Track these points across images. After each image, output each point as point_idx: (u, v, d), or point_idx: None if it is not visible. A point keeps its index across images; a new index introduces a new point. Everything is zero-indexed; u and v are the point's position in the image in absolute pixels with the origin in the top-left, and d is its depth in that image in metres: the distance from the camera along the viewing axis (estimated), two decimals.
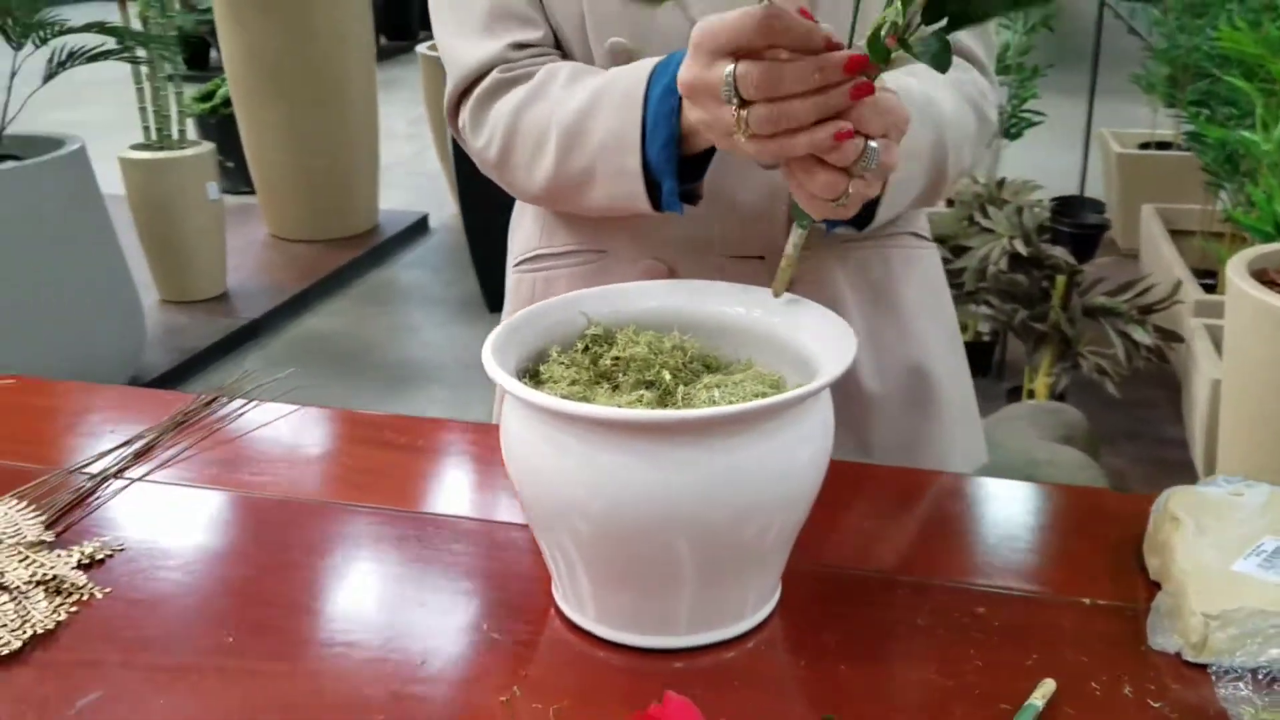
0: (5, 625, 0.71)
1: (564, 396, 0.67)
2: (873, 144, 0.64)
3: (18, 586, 0.74)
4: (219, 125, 4.93)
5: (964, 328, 3.07)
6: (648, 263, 0.90)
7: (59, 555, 0.78)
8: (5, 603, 0.72)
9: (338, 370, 3.45)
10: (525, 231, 1.01)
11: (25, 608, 0.73)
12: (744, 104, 0.63)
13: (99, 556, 0.79)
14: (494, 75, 0.88)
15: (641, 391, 0.69)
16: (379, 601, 0.74)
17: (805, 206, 0.68)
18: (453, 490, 0.89)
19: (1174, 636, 0.66)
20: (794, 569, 0.74)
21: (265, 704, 0.65)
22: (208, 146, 3.74)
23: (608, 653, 0.69)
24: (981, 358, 3.11)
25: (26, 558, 0.77)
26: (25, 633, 0.71)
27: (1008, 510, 0.84)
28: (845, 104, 0.63)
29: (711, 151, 0.80)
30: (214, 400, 1.03)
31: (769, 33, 0.62)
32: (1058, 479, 2.16)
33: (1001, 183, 2.92)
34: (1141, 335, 2.38)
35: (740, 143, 0.65)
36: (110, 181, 3.59)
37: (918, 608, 0.71)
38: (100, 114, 6.02)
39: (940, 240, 2.85)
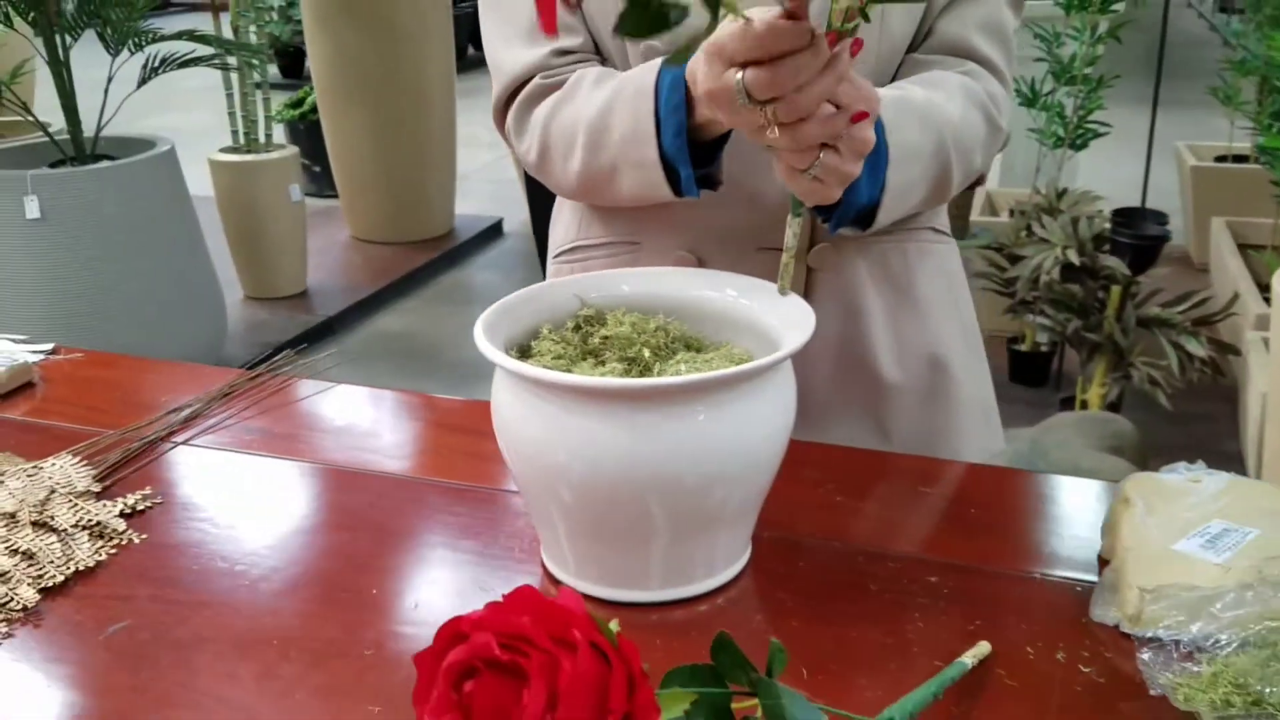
0: (52, 561, 0.79)
1: (547, 368, 0.73)
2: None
3: (65, 529, 0.82)
4: (307, 131, 5.10)
5: (1021, 338, 3.06)
6: (679, 254, 0.96)
7: (104, 505, 0.86)
8: (53, 543, 0.81)
9: (408, 366, 3.56)
10: (564, 225, 1.07)
11: (70, 547, 0.81)
12: (763, 103, 0.69)
13: (140, 508, 0.87)
14: (536, 81, 0.94)
15: (617, 365, 0.75)
16: (382, 554, 0.81)
17: (794, 188, 0.73)
18: (455, 460, 0.95)
19: (1112, 609, 0.70)
20: (767, 537, 0.79)
21: (271, 633, 0.72)
22: (291, 150, 3.89)
23: (589, 606, 0.74)
24: (1039, 368, 3.10)
25: (75, 505, 0.85)
26: (69, 569, 0.79)
27: (976, 491, 0.88)
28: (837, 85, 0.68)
29: (724, 138, 0.85)
30: (256, 375, 1.11)
31: (767, 44, 0.67)
32: None
33: (1063, 193, 2.91)
34: (1195, 347, 2.36)
35: (772, 137, 0.70)
36: (202, 183, 3.76)
37: (874, 575, 0.76)
38: (196, 119, 6.26)
39: (997, 248, 2.85)
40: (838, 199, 0.75)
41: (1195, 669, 0.62)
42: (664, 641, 0.70)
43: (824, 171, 0.71)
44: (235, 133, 3.81)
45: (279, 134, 4.65)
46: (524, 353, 0.78)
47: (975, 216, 3.37)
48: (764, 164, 0.90)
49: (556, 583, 0.77)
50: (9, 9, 2.87)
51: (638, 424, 0.68)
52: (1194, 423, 2.73)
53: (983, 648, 0.67)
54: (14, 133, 3.99)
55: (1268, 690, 0.58)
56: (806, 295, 0.95)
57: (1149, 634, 0.66)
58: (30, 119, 3.10)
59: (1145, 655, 0.64)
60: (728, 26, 0.68)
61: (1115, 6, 3.18)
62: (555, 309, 0.81)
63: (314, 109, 4.85)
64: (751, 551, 0.79)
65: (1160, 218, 2.85)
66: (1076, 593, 0.73)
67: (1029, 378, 3.11)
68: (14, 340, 1.16)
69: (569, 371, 0.74)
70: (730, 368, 0.69)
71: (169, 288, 3.08)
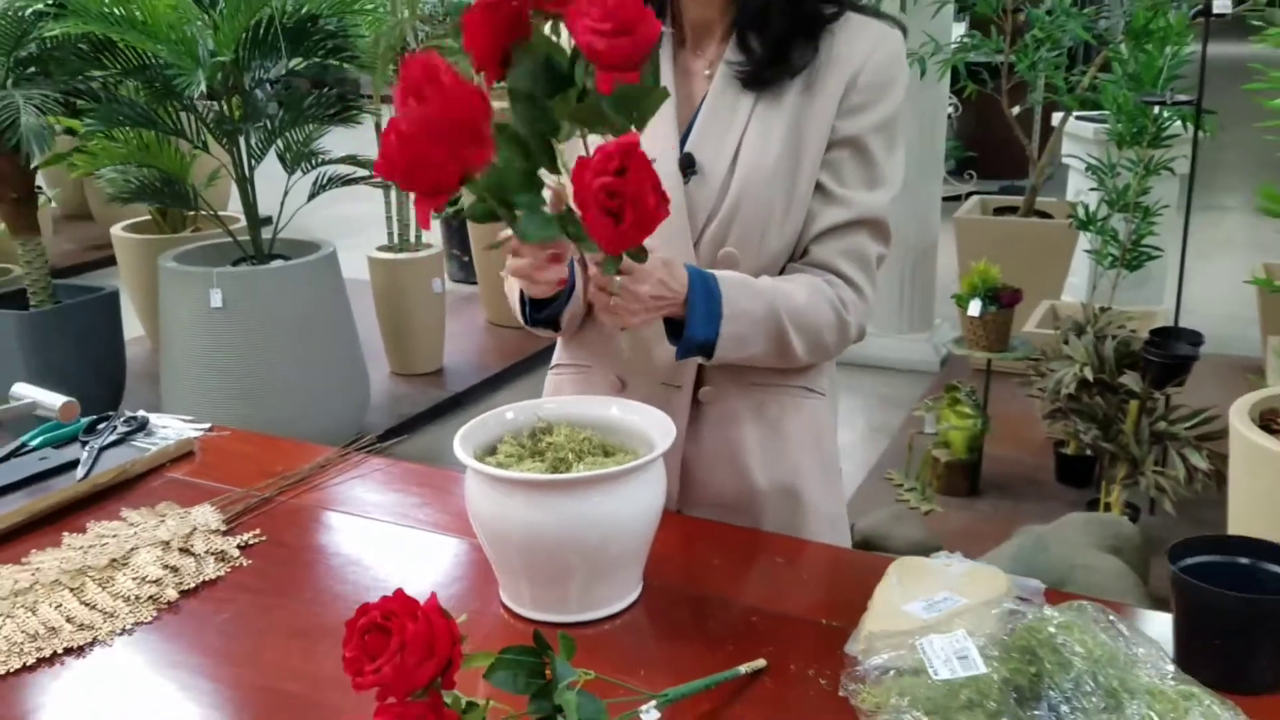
0: (189, 574, 1.19)
1: (500, 466, 1.10)
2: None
3: (199, 554, 1.22)
4: (459, 226, 5.67)
5: (1064, 442, 3.27)
6: (611, 379, 1.32)
7: (227, 539, 1.26)
8: (190, 562, 1.21)
9: None
10: (556, 350, 1.45)
11: (201, 566, 1.21)
12: None
13: (250, 543, 1.27)
14: None
15: (546, 463, 1.11)
16: (392, 584, 1.18)
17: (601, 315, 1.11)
18: (459, 520, 1.32)
19: (855, 645, 1.01)
20: (655, 584, 1.13)
21: (324, 628, 1.09)
22: (436, 250, 4.41)
23: (525, 624, 1.09)
24: (1084, 470, 3.30)
25: (208, 538, 1.25)
26: (199, 579, 1.18)
27: (808, 561, 1.20)
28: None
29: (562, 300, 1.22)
30: (348, 452, 1.51)
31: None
32: (1092, 585, 2.36)
33: (1102, 310, 3.13)
34: (1197, 460, 2.56)
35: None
36: (364, 269, 4.31)
37: (716, 614, 1.09)
38: (363, 209, 6.93)
39: (1035, 359, 3.09)
40: (633, 324, 1.11)
41: (877, 682, 0.93)
42: (580, 645, 1.04)
43: (609, 314, 1.09)
44: (390, 234, 4.36)
45: (435, 228, 5.21)
46: (491, 452, 1.14)
47: (1031, 328, 3.61)
48: (651, 351, 1.25)
49: (506, 609, 1.12)
50: (208, 136, 3.46)
51: (556, 503, 1.04)
52: (1215, 526, 2.89)
53: (759, 663, 0.99)
54: (208, 226, 4.63)
55: (905, 700, 0.88)
56: (695, 421, 1.29)
57: (871, 662, 0.97)
58: (219, 224, 3.69)
59: (859, 671, 0.95)
60: None
61: (1167, 140, 3.41)
62: (514, 424, 1.17)
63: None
64: (642, 589, 1.13)
65: (1195, 338, 3.04)
66: (845, 636, 1.05)
67: (1073, 479, 3.31)
68: (183, 420, 1.60)
69: (517, 468, 1.11)
70: (615, 466, 1.04)
71: (323, 367, 3.58)
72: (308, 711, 0.99)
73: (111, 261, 5.99)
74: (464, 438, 1.11)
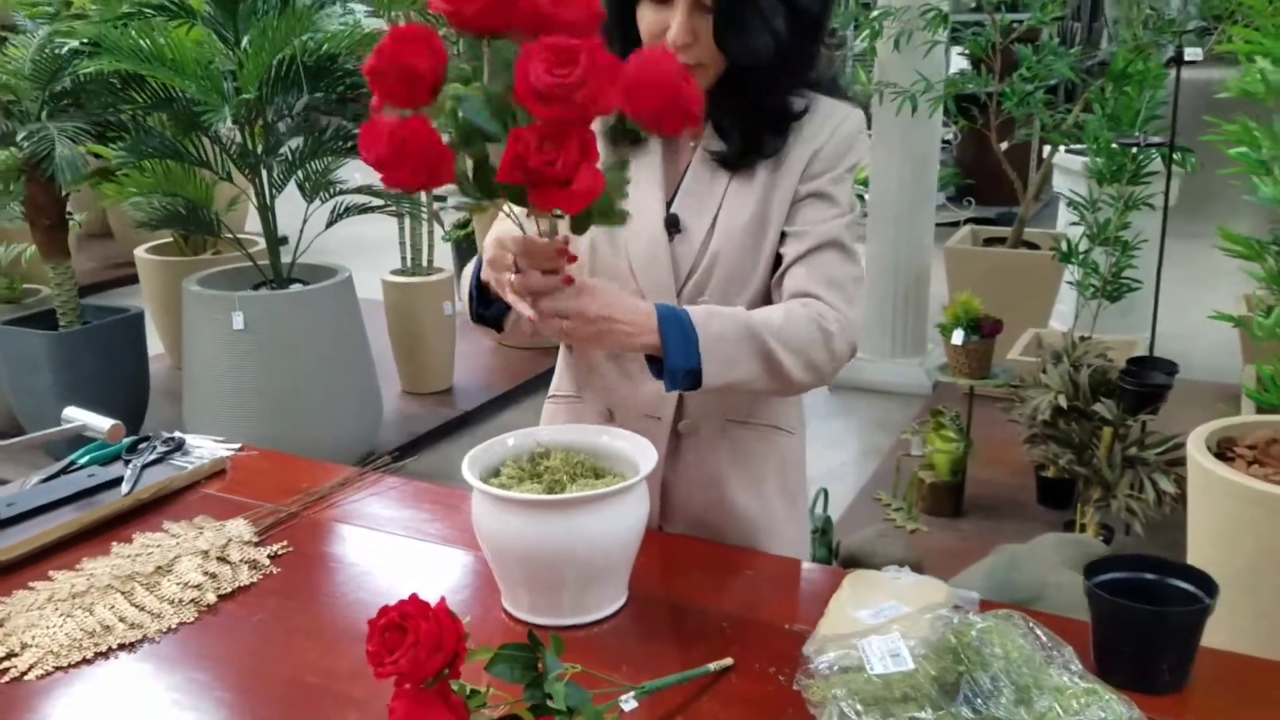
0: (226, 580, 1.33)
1: (502, 487, 1.24)
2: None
3: (235, 562, 1.36)
4: (470, 249, 5.83)
5: (1044, 466, 3.40)
6: (600, 409, 1.46)
7: (259, 549, 1.40)
8: (227, 570, 1.35)
9: None
10: (552, 381, 1.59)
11: (237, 573, 1.35)
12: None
13: (280, 553, 1.41)
14: None
15: (542, 485, 1.25)
16: (405, 591, 1.32)
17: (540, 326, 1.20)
18: (465, 533, 1.46)
19: (811, 647, 1.14)
20: (640, 593, 1.27)
21: (344, 628, 1.23)
22: (447, 274, 4.56)
23: (523, 626, 1.23)
24: (1062, 493, 3.43)
25: (242, 549, 1.39)
26: (235, 585, 1.33)
27: (773, 574, 1.33)
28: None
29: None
30: (366, 472, 1.65)
31: (517, 246, 1.16)
32: (1061, 601, 2.49)
33: (1081, 339, 3.27)
34: (1166, 484, 2.69)
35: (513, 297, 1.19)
36: (374, 289, 4.47)
37: (695, 619, 1.23)
38: (380, 229, 7.11)
39: (1015, 386, 3.23)
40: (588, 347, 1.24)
41: (824, 678, 1.07)
42: (571, 645, 1.18)
43: (563, 338, 1.21)
44: (403, 258, 4.52)
45: (447, 252, 5.37)
46: (495, 474, 1.29)
47: (1016, 355, 3.74)
48: (636, 386, 1.38)
49: (506, 613, 1.26)
50: (231, 166, 3.62)
51: (552, 520, 1.18)
52: (1184, 547, 3.01)
53: (726, 661, 1.13)
54: (228, 249, 4.79)
55: (845, 691, 1.02)
56: (675, 452, 1.43)
57: (820, 660, 1.11)
58: (240, 248, 3.85)
59: (810, 669, 1.09)
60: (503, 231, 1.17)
61: (1146, 177, 3.55)
62: (515, 449, 1.31)
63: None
64: (627, 597, 1.26)
65: (1170, 367, 3.17)
66: (804, 638, 1.18)
67: (1054, 501, 3.44)
68: (215, 440, 1.74)
69: (517, 489, 1.24)
70: (604, 488, 1.18)
71: (339, 386, 3.73)
72: (329, 700, 1.13)
73: (131, 280, 6.16)
74: (471, 461, 1.26)
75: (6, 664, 1.18)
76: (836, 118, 1.34)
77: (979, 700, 0.98)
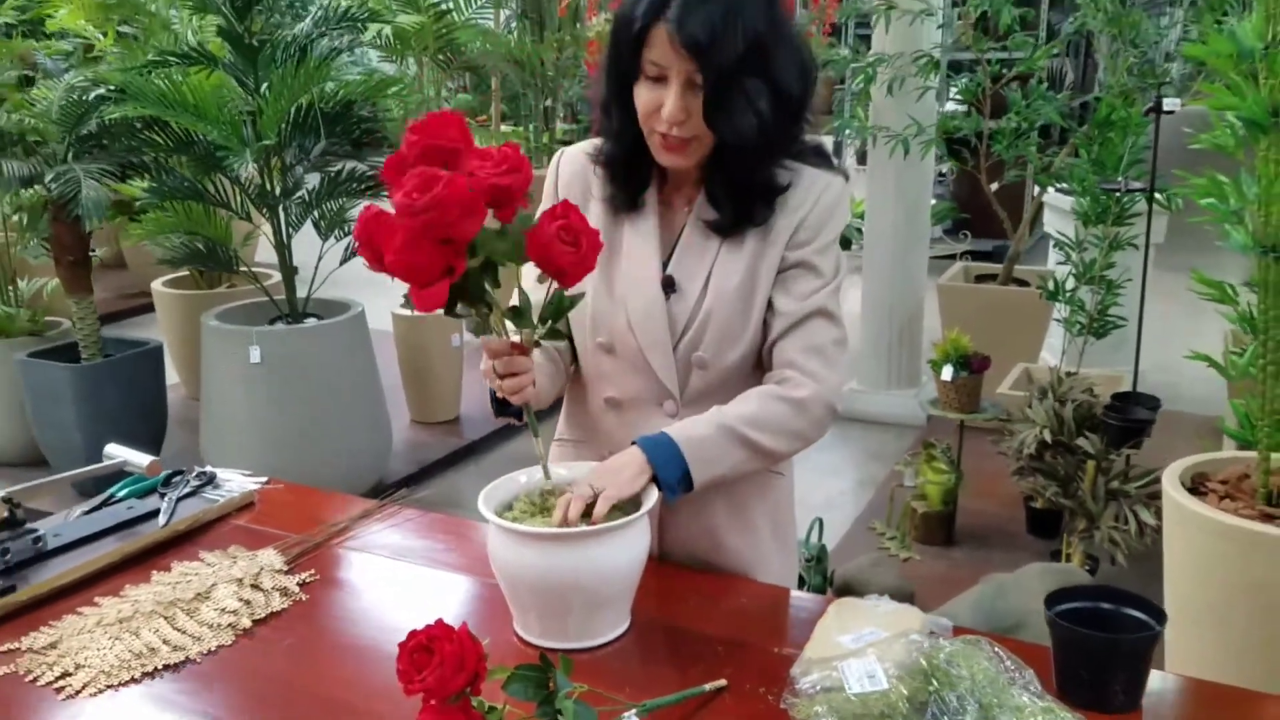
0: (259, 606, 1.44)
1: (514, 520, 1.34)
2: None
3: (267, 589, 1.47)
4: None
5: (1033, 497, 3.50)
6: (602, 454, 1.56)
7: (289, 577, 1.51)
8: (260, 596, 1.45)
9: None
10: (558, 426, 1.69)
11: (269, 600, 1.45)
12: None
13: (308, 580, 1.51)
14: None
15: (550, 519, 1.35)
16: (423, 615, 1.42)
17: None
18: (478, 562, 1.56)
19: (797, 669, 1.24)
20: (642, 619, 1.37)
21: (370, 647, 1.34)
22: None
23: (532, 649, 1.33)
24: (1051, 523, 3.52)
25: (273, 576, 1.50)
26: (268, 610, 1.43)
27: (764, 602, 1.44)
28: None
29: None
30: (384, 505, 1.76)
31: (499, 349, 1.30)
32: (1041, 628, 2.58)
33: (1068, 375, 3.38)
34: (1147, 516, 2.79)
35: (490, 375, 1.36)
36: (384, 320, 4.59)
37: (693, 643, 1.33)
38: None
39: (1004, 420, 3.33)
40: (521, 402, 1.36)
41: (808, 697, 1.17)
42: (578, 667, 1.28)
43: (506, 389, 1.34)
44: None
45: None
46: (508, 508, 1.39)
47: (1005, 389, 3.85)
48: (633, 430, 1.48)
49: (518, 637, 1.36)
50: (250, 206, 3.75)
51: (561, 552, 1.29)
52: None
53: (720, 682, 1.23)
54: (242, 281, 4.91)
55: (825, 709, 1.12)
56: None
57: (805, 681, 1.21)
58: (254, 281, 3.97)
59: (796, 688, 1.19)
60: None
61: (1130, 219, 3.67)
62: (527, 485, 1.42)
63: None
64: (630, 622, 1.37)
65: (1153, 402, 3.27)
66: (792, 661, 1.29)
67: (1042, 531, 3.54)
68: (243, 474, 1.85)
69: (529, 523, 1.35)
70: (609, 523, 1.29)
71: (350, 417, 3.84)
72: (358, 716, 1.23)
73: (144, 309, 6.30)
74: (486, 497, 1.36)
75: (62, 683, 1.29)
76: (819, 187, 1.45)
77: (946, 717, 1.08)
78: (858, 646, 1.22)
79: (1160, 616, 1.21)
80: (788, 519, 1.63)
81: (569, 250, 1.18)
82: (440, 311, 1.19)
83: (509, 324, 1.29)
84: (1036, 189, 4.67)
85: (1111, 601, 1.24)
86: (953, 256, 6.51)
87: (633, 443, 1.41)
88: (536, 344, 1.33)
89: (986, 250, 7.04)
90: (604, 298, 1.49)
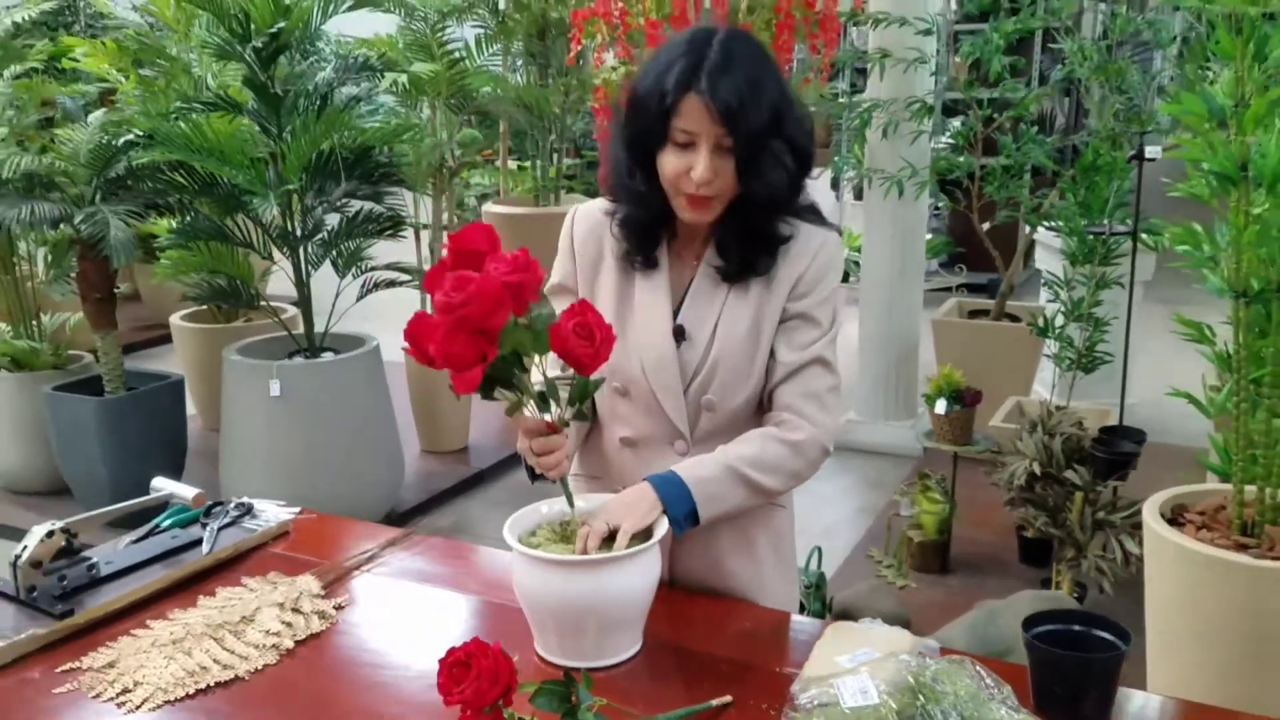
0: (300, 628, 1.55)
1: (536, 547, 1.46)
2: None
3: (307, 613, 1.58)
4: None
5: (1025, 526, 3.60)
6: (616, 489, 1.67)
7: (325, 601, 1.62)
8: (301, 619, 1.57)
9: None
10: (574, 462, 1.81)
11: (308, 622, 1.57)
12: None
13: (344, 605, 1.63)
14: None
15: (570, 546, 1.47)
16: (452, 637, 1.53)
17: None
18: (498, 589, 1.67)
19: (797, 686, 1.35)
20: (651, 639, 1.48)
21: (394, 661, 1.45)
22: None
23: (553, 667, 1.44)
24: (1042, 552, 3.63)
25: (311, 601, 1.61)
26: (308, 632, 1.54)
27: (767, 625, 1.55)
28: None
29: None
30: (409, 534, 1.87)
31: (533, 427, 1.42)
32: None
33: (1057, 409, 3.49)
34: (1131, 546, 2.90)
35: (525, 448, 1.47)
36: (396, 351, 4.70)
37: (701, 664, 1.44)
38: (396, 294, 7.37)
39: (995, 451, 3.45)
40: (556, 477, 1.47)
41: (807, 712, 1.28)
42: (595, 683, 1.39)
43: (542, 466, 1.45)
44: None
45: None
46: (531, 534, 1.51)
47: (997, 422, 3.96)
48: (647, 469, 1.58)
49: (539, 656, 1.47)
50: (272, 245, 3.88)
51: (580, 578, 1.40)
52: None
53: (726, 699, 1.34)
54: (259, 315, 5.04)
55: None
56: None
57: (804, 697, 1.32)
58: (272, 315, 4.10)
59: (796, 704, 1.30)
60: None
61: (1117, 259, 3.80)
62: (548, 515, 1.54)
63: None
64: (642, 643, 1.48)
65: (1139, 435, 3.39)
66: (792, 680, 1.40)
67: (1034, 559, 3.64)
68: (278, 504, 1.96)
69: (550, 550, 1.47)
70: (624, 551, 1.40)
71: (365, 448, 3.96)
72: None
73: (160, 341, 6.43)
74: (511, 525, 1.48)
75: (123, 698, 1.40)
76: (816, 243, 1.58)
77: None
78: (852, 665, 1.34)
79: (1125, 636, 1.32)
80: (789, 548, 1.75)
81: (585, 344, 1.33)
82: (478, 395, 1.32)
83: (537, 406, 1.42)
84: (1028, 228, 4.81)
85: (1083, 624, 1.36)
86: (949, 289, 6.66)
87: (645, 479, 1.52)
88: (565, 424, 1.44)
89: (981, 283, 7.18)
90: (619, 346, 1.61)
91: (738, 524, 1.66)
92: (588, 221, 1.69)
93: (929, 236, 7.53)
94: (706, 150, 1.48)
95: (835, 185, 8.21)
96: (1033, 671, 1.34)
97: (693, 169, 1.48)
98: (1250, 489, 2.41)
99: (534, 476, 1.55)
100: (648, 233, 1.60)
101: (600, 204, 1.68)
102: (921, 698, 1.23)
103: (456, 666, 1.13)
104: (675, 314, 1.61)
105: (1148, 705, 1.41)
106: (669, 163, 1.50)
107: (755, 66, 1.46)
